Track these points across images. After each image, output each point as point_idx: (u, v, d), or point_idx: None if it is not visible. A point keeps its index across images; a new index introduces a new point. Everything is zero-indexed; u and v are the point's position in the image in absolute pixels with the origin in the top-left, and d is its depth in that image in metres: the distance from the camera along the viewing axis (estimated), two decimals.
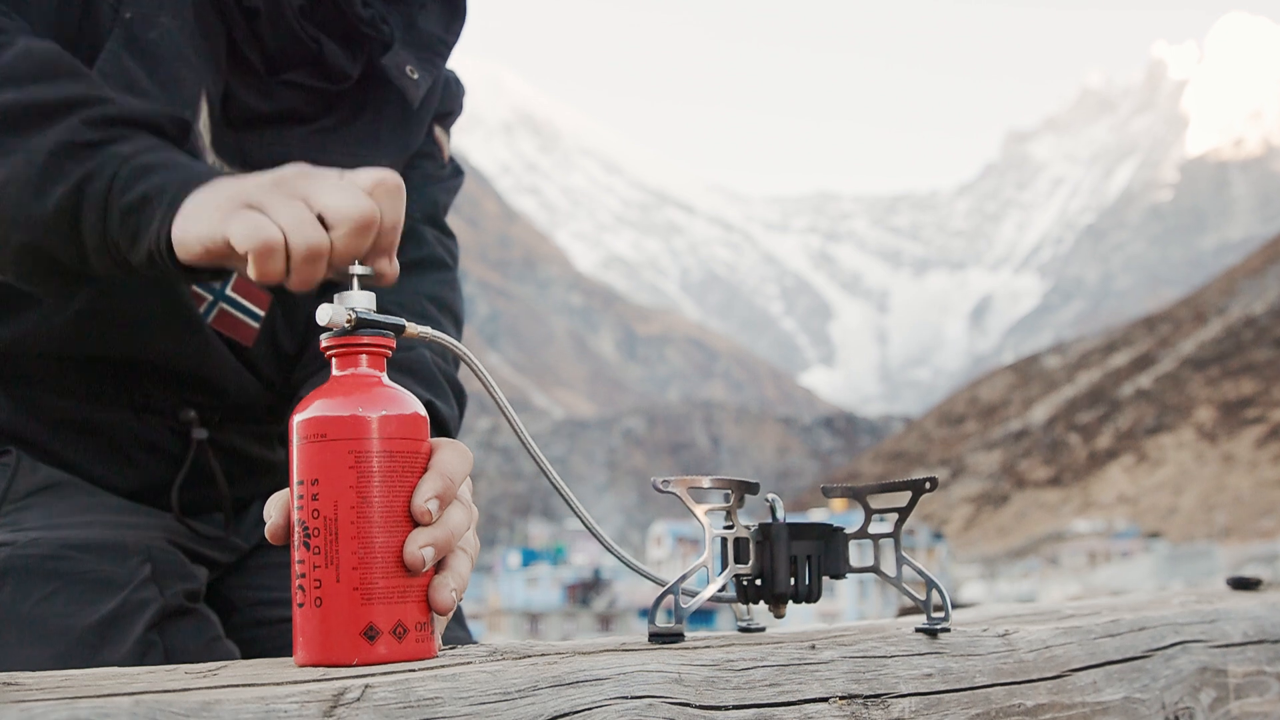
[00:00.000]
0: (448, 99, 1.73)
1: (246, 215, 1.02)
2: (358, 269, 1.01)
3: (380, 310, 1.00)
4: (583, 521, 1.12)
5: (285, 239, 1.01)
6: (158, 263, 1.13)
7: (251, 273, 1.01)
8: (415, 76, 1.56)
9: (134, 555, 1.40)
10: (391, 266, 1.05)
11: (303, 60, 1.50)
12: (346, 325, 0.96)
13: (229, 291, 1.52)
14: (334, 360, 0.98)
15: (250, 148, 1.50)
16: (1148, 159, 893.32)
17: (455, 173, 1.77)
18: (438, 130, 1.72)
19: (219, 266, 1.10)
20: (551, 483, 1.10)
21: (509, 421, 1.07)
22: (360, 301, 0.99)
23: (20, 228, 1.21)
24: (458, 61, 1.71)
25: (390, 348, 1.00)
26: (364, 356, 0.98)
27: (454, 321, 1.63)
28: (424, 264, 1.62)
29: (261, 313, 1.55)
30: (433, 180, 1.70)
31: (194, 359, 1.51)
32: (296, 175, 1.06)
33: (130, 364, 1.51)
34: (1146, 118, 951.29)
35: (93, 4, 1.39)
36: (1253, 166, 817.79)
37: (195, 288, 1.48)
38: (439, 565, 0.97)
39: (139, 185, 1.15)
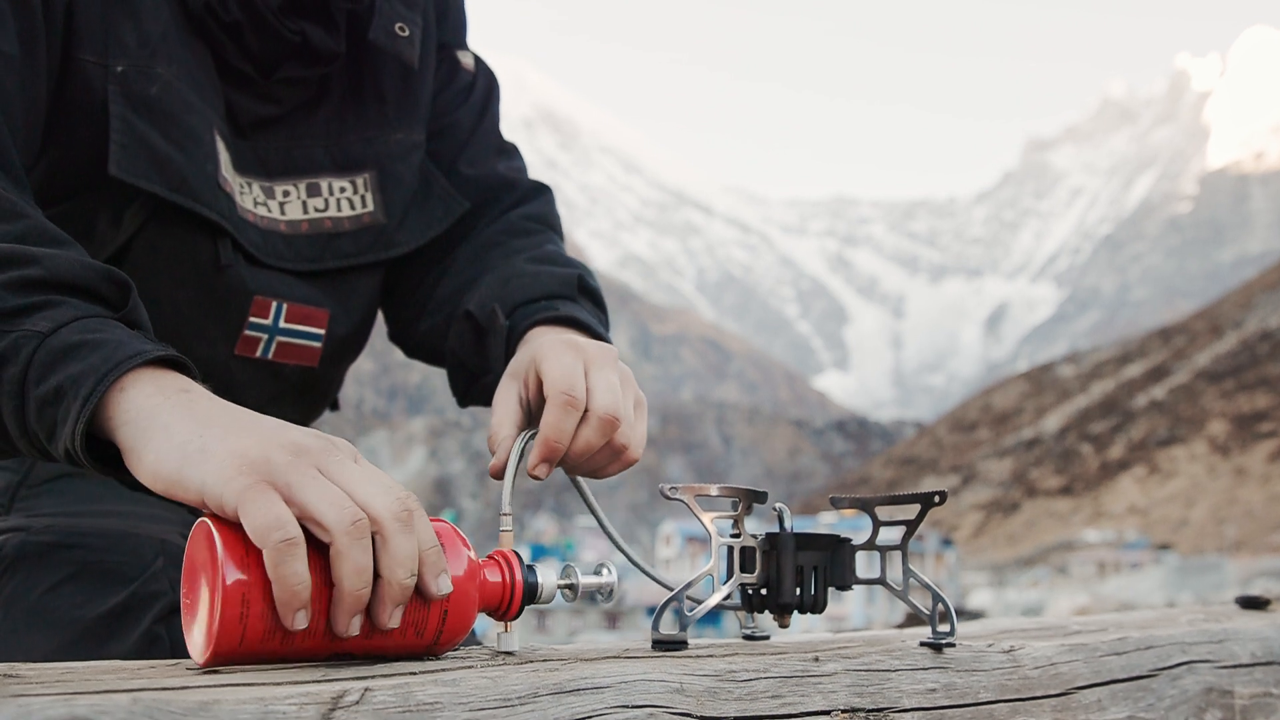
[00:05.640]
0: (446, 28, 1.67)
1: (267, 501, 0.86)
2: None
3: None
4: (599, 521, 1.11)
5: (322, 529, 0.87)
6: (75, 461, 1.00)
7: (272, 570, 0.84)
8: (405, 34, 1.52)
9: (148, 547, 1.38)
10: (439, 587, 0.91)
11: (290, 54, 1.46)
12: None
13: (283, 324, 1.46)
14: None
15: (268, 155, 1.48)
16: (1168, 171, 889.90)
17: (488, 84, 1.72)
18: (457, 54, 1.69)
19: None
20: (574, 484, 1.10)
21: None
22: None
23: None
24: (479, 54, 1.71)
25: None
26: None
27: (559, 234, 1.69)
28: (525, 199, 1.68)
29: (321, 331, 1.49)
30: (475, 113, 1.68)
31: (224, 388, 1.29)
32: (321, 449, 0.91)
33: None
34: (1167, 129, 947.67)
35: (74, 66, 1.31)
36: (1273, 180, 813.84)
37: (247, 331, 1.43)
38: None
39: (54, 375, 1.00)
